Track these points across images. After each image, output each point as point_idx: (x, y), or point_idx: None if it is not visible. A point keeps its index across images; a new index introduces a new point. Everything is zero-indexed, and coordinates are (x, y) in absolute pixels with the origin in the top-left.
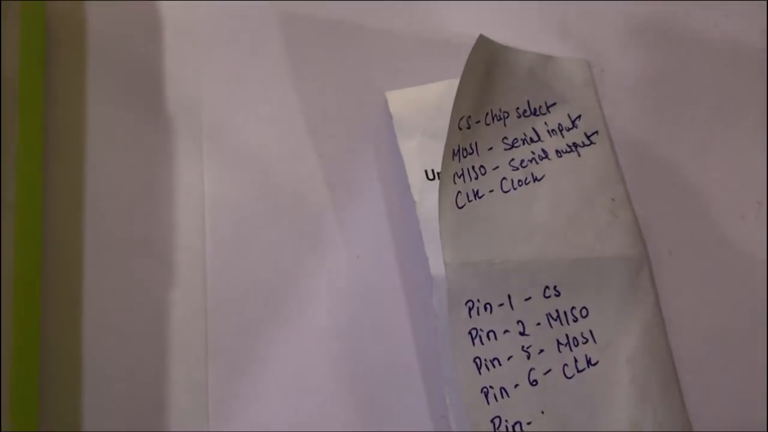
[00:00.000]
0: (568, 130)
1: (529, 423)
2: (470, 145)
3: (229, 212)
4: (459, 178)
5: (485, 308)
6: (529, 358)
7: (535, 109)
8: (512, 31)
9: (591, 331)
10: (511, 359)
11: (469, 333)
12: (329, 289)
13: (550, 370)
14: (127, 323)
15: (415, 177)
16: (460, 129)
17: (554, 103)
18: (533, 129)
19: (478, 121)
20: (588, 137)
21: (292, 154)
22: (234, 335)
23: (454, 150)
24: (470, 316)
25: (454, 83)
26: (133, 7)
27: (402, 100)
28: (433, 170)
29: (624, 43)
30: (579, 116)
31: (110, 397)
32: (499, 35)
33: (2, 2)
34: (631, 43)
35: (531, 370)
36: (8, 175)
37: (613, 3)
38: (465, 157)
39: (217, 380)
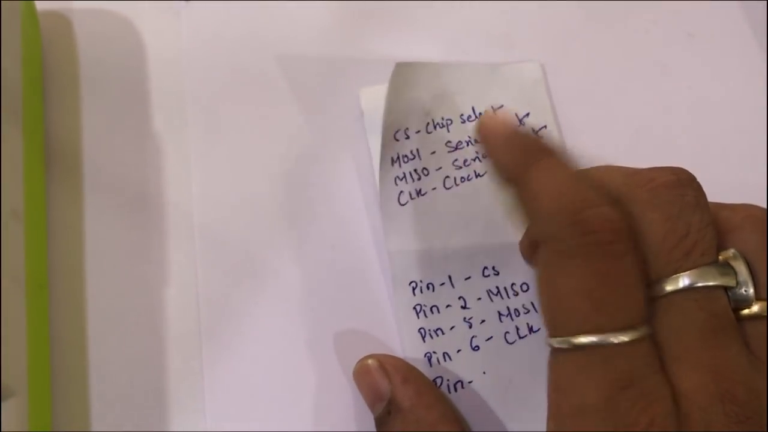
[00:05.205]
0: None
1: (470, 382)
2: (411, 152)
3: (216, 214)
4: (401, 180)
5: (428, 287)
6: (471, 327)
7: (480, 113)
8: (465, 45)
9: (533, 303)
10: (453, 329)
11: (414, 308)
12: (309, 278)
13: (491, 337)
14: (127, 320)
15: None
16: (397, 140)
17: (501, 106)
18: None
19: (418, 131)
20: (535, 132)
21: (272, 155)
22: (224, 325)
23: (392, 158)
24: (414, 294)
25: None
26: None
27: (374, 97)
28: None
29: (566, 44)
30: (527, 114)
31: (115, 386)
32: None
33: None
34: (573, 45)
35: (473, 337)
36: (16, 185)
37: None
38: (406, 162)
39: (211, 366)
